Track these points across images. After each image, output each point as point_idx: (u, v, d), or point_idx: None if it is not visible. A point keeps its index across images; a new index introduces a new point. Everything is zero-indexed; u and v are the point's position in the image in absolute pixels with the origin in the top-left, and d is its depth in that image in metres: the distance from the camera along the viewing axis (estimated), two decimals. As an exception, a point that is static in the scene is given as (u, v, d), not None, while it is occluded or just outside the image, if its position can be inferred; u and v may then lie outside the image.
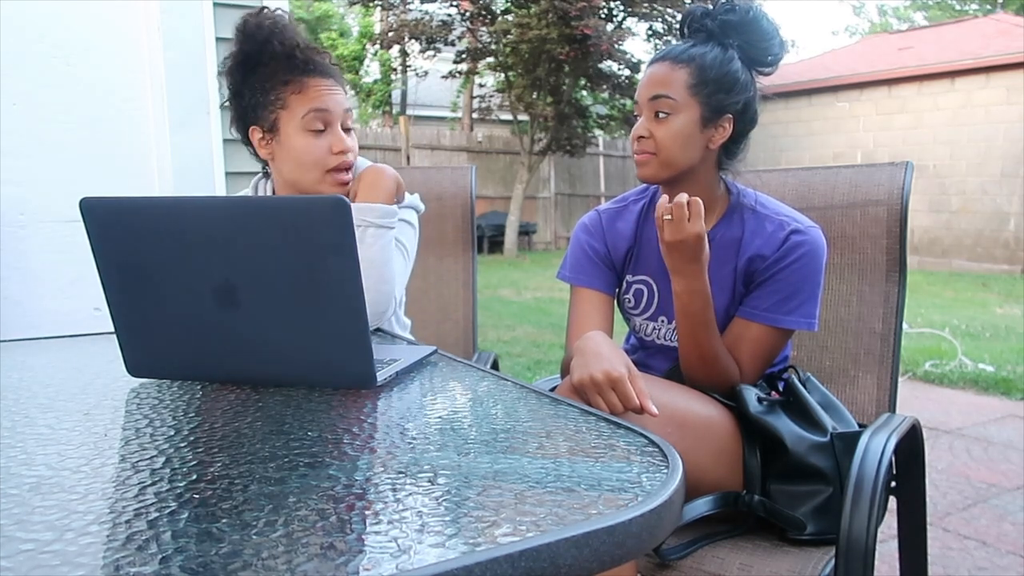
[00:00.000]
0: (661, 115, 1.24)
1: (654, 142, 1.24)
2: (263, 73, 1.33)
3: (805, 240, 1.24)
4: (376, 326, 1.35)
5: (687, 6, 1.31)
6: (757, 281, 1.27)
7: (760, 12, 1.25)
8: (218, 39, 2.29)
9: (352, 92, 18.33)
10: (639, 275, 1.38)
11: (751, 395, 1.20)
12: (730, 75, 1.24)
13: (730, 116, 1.25)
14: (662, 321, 1.36)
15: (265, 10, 1.34)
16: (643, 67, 1.34)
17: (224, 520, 0.52)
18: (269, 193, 1.44)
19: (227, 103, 1.39)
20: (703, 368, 1.24)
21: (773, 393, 1.28)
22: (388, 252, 1.31)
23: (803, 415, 1.21)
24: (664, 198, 1.16)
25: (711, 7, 1.27)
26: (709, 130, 1.25)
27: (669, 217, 1.14)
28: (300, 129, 1.33)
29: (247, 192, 1.48)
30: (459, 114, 16.71)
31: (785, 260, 1.24)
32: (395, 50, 13.96)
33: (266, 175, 1.48)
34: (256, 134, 1.36)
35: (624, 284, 1.39)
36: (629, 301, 1.39)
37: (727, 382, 1.24)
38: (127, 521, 0.52)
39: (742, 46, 1.26)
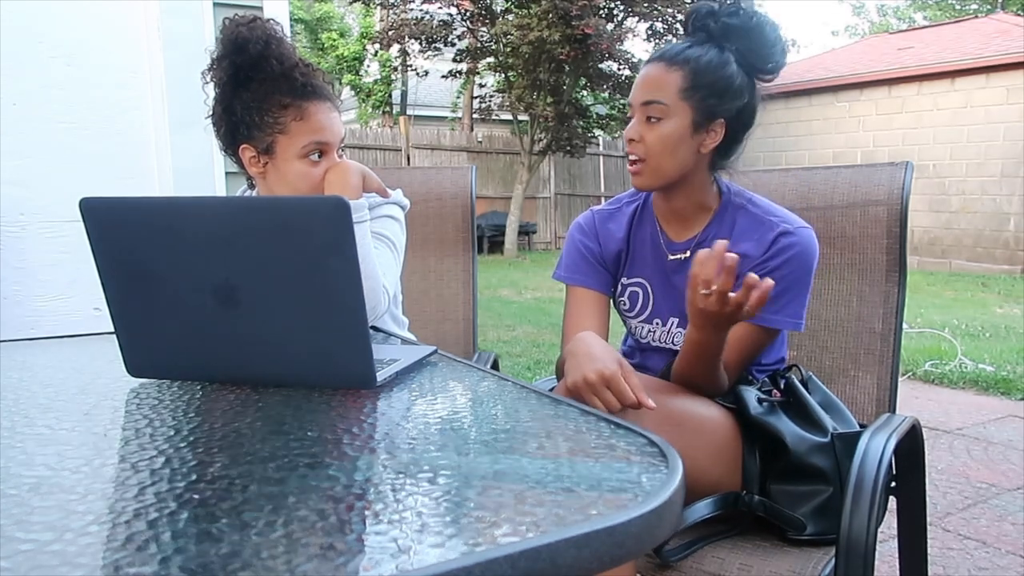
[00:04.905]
0: (652, 120, 1.23)
1: (644, 147, 1.23)
2: (258, 91, 1.30)
3: (794, 242, 1.23)
4: (371, 323, 1.35)
5: (692, 4, 1.28)
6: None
7: (764, 19, 1.24)
8: (218, 39, 2.29)
9: (352, 92, 18.33)
10: (634, 277, 1.37)
11: (751, 396, 1.20)
12: (723, 80, 1.22)
13: (722, 121, 1.23)
14: (657, 323, 1.35)
15: (256, 20, 1.31)
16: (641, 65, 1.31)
17: (224, 520, 0.52)
18: None
19: (211, 115, 1.36)
20: (695, 387, 1.21)
21: (775, 392, 1.27)
22: (367, 247, 1.30)
23: (804, 415, 1.21)
24: (705, 255, 1.02)
25: (716, 7, 1.25)
26: (700, 135, 1.23)
27: (707, 292, 1.02)
28: (298, 156, 1.32)
29: None
30: (459, 114, 16.71)
31: (773, 261, 1.23)
32: (395, 50, 13.95)
33: (251, 186, 1.47)
34: (248, 152, 1.34)
35: (619, 287, 1.39)
36: (624, 303, 1.39)
37: (717, 392, 1.23)
38: (127, 521, 0.52)
39: (742, 51, 1.24)
